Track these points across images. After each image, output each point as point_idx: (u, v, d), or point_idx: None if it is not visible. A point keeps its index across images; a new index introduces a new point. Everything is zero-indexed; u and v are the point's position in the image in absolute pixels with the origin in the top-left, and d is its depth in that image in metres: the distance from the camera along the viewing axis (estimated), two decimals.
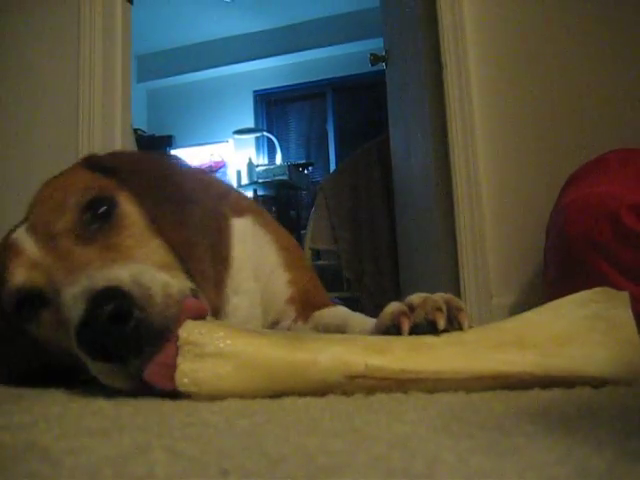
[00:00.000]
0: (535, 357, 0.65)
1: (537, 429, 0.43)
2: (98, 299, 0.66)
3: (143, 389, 0.67)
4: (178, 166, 1.10)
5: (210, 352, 0.64)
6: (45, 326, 0.81)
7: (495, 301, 2.17)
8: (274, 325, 1.07)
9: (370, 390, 0.63)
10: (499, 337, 0.67)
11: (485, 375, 0.64)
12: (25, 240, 0.82)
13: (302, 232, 4.32)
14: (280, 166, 5.42)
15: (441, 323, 0.70)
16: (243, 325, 0.94)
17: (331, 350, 0.64)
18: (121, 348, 0.65)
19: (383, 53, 3.18)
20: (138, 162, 0.99)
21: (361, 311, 0.97)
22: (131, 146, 2.80)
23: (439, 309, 0.72)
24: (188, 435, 0.45)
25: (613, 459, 0.33)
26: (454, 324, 0.71)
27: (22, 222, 0.87)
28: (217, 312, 0.89)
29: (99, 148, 2.42)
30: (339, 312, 1.01)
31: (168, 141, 6.19)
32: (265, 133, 6.06)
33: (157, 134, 6.18)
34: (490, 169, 2.26)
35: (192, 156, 5.86)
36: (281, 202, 5.45)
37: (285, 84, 6.21)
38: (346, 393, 0.63)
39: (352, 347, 0.65)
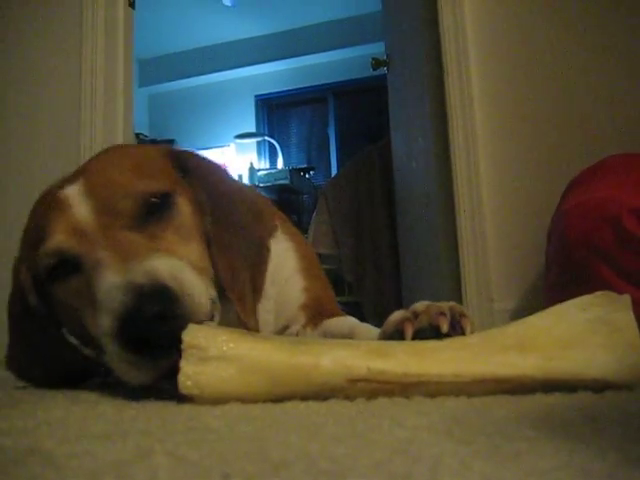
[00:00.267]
0: (537, 360, 0.65)
1: (539, 434, 0.43)
2: (146, 296, 0.68)
3: (159, 384, 0.70)
4: (243, 188, 1.15)
5: (213, 355, 0.64)
6: (70, 295, 0.81)
7: (496, 306, 2.17)
8: (283, 330, 1.08)
9: (372, 394, 0.63)
10: (501, 341, 0.67)
11: (487, 378, 0.64)
12: (79, 203, 0.80)
13: (304, 236, 4.31)
14: (281, 170, 5.42)
15: (444, 327, 0.71)
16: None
17: (333, 354, 0.64)
18: (158, 344, 0.68)
19: (385, 57, 3.18)
20: (212, 173, 1.00)
21: (362, 315, 0.97)
22: None
23: (443, 314, 0.73)
24: (190, 440, 0.45)
25: (615, 465, 0.33)
26: (457, 330, 0.72)
27: (73, 177, 0.85)
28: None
29: None
30: (347, 321, 1.02)
31: (170, 145, 6.18)
32: (267, 137, 6.07)
33: (159, 138, 6.18)
34: (491, 173, 2.26)
35: None
36: (282, 206, 5.43)
37: (287, 88, 6.21)
38: (348, 397, 0.63)
39: (354, 351, 0.65)
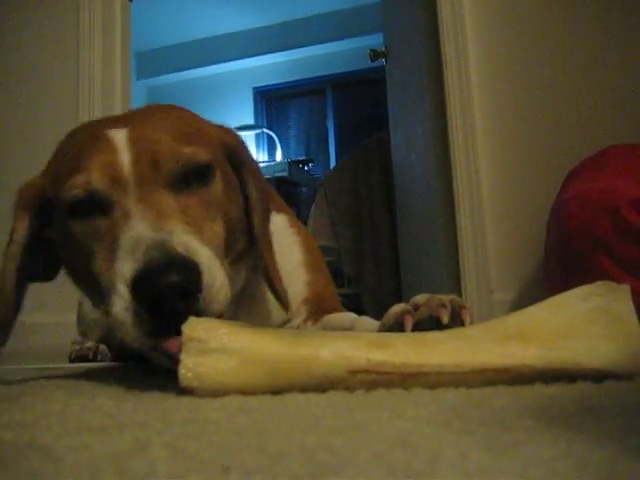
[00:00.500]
0: (537, 350, 0.65)
1: (538, 425, 0.43)
2: (177, 263, 0.67)
3: (155, 355, 0.70)
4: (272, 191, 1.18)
5: (214, 348, 0.64)
6: (87, 234, 0.79)
7: (496, 296, 2.17)
8: (284, 323, 1.08)
9: (372, 385, 0.63)
10: (501, 331, 0.67)
11: (487, 369, 0.64)
12: (122, 149, 0.79)
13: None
14: (280, 163, 5.41)
15: (445, 318, 0.72)
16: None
17: (333, 345, 0.64)
18: (167, 312, 0.67)
19: (383, 49, 3.17)
20: (259, 171, 1.00)
21: (361, 307, 0.99)
22: None
23: (443, 305, 0.73)
24: (189, 432, 0.45)
25: (614, 455, 0.32)
26: (457, 322, 0.72)
27: (121, 122, 0.84)
28: None
29: None
30: (347, 316, 1.04)
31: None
32: (265, 130, 6.06)
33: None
34: (490, 164, 2.26)
35: None
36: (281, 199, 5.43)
37: (285, 80, 6.20)
38: (348, 388, 0.63)
39: (354, 342, 0.65)
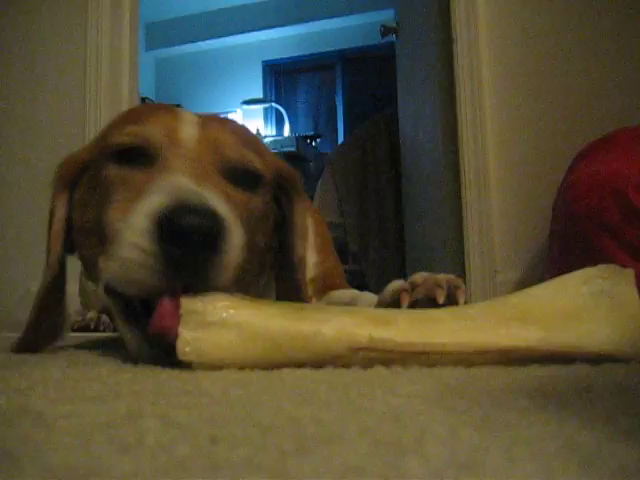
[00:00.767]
0: (539, 332, 0.65)
1: (531, 405, 0.43)
2: (209, 216, 0.65)
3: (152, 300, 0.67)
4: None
5: (213, 321, 0.63)
6: (119, 179, 0.76)
7: (500, 277, 2.17)
8: None
9: (374, 362, 0.63)
10: (503, 312, 0.67)
11: (489, 349, 0.64)
12: (189, 123, 0.80)
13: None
14: (288, 137, 5.39)
15: (440, 299, 0.72)
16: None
17: (335, 321, 0.64)
18: (185, 265, 0.65)
19: (394, 25, 3.14)
20: (308, 201, 1.03)
21: (365, 284, 1.02)
22: None
23: (440, 286, 0.73)
24: (182, 403, 0.45)
25: (603, 436, 0.32)
26: (452, 302, 0.73)
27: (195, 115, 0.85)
28: None
29: (106, 116, 2.41)
30: (349, 292, 1.07)
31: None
32: (274, 104, 6.02)
33: (165, 103, 6.14)
34: (498, 144, 2.24)
35: None
36: None
37: (294, 55, 6.14)
38: (349, 365, 0.63)
39: (356, 319, 0.65)
